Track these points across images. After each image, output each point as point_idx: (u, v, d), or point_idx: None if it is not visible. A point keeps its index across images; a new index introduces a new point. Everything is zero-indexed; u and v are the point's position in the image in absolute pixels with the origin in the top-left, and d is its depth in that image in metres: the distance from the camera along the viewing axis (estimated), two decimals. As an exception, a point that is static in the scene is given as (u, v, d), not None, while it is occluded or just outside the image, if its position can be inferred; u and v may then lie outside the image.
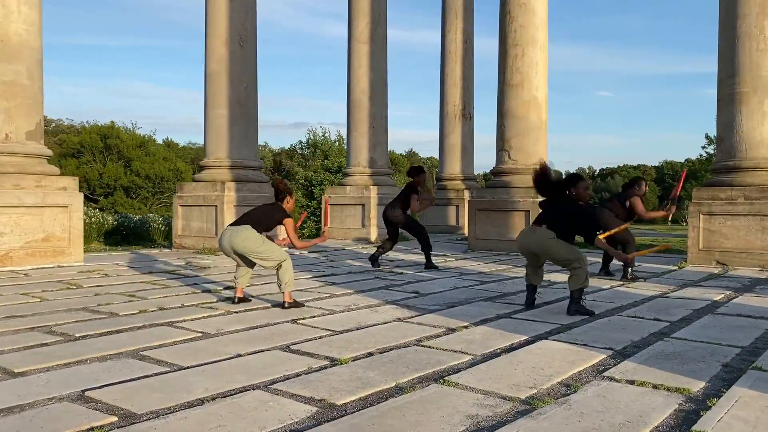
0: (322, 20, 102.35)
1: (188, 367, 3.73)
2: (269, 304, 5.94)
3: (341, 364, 3.81)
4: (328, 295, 6.55)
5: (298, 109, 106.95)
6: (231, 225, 6.10)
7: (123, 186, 43.54)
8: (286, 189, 6.13)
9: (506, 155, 11.82)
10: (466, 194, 16.52)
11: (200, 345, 4.32)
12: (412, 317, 5.40)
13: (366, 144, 14.02)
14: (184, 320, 5.18)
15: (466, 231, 16.36)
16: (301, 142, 54.47)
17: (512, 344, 4.40)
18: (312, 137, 52.73)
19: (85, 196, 43.07)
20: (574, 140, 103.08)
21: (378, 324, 5.07)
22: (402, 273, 8.49)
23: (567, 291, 6.69)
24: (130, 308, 5.65)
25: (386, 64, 14.33)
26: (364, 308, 5.80)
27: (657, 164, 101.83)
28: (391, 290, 6.91)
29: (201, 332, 4.72)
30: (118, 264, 9.06)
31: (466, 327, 4.97)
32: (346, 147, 14.54)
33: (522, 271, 8.69)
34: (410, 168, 9.89)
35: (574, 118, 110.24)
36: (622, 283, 7.67)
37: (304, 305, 5.86)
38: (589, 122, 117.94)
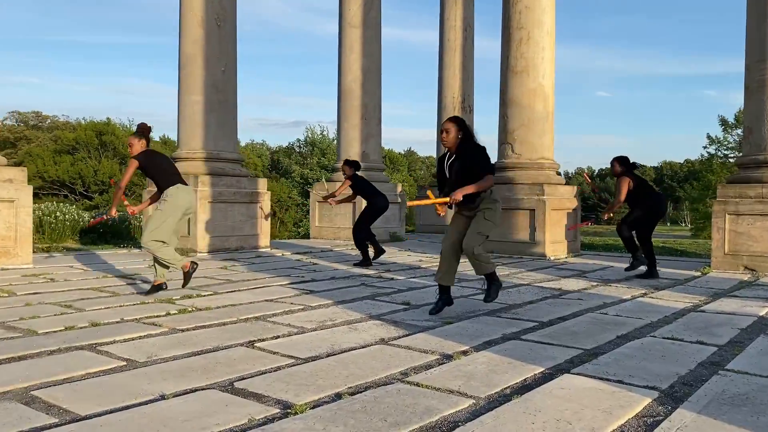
0: (322, 18, 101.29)
1: (84, 418, 2.72)
2: (233, 319, 4.92)
3: (295, 414, 2.80)
4: (301, 306, 5.53)
5: (297, 107, 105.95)
6: (181, 181, 6.24)
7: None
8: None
9: (509, 148, 10.81)
10: (465, 192, 15.48)
11: (117, 380, 3.30)
12: (398, 337, 4.38)
13: (357, 137, 13.00)
14: (114, 341, 4.16)
15: (464, 231, 15.34)
16: (299, 140, 53.58)
17: (525, 380, 3.38)
18: (310, 135, 51.84)
19: (80, 193, 41.97)
20: (572, 140, 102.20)
21: (356, 348, 4.06)
22: (392, 279, 7.47)
23: (583, 303, 5.68)
24: (55, 324, 4.63)
25: (380, 51, 13.31)
26: (341, 325, 4.78)
27: (656, 164, 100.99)
28: (377, 300, 5.89)
29: (126, 360, 3.69)
30: (72, 267, 8.03)
31: (465, 353, 3.96)
32: (336, 140, 13.52)
33: (528, 277, 7.69)
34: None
35: (572, 117, 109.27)
36: (644, 292, 6.66)
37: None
38: (587, 122, 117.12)
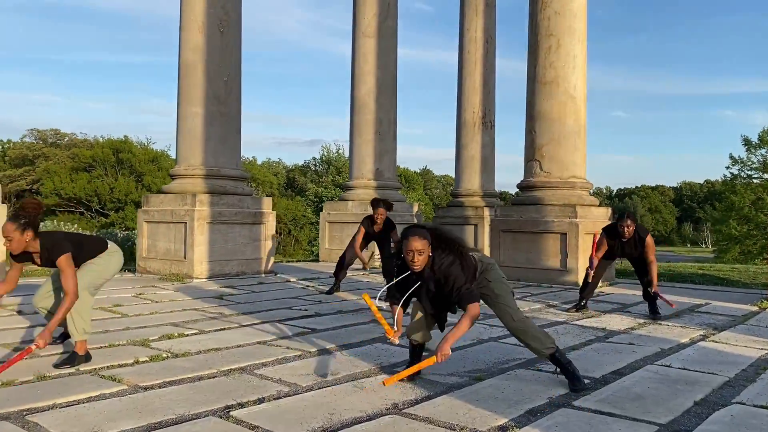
0: (338, 38, 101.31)
1: None
2: (212, 371, 4.01)
3: None
4: (297, 353, 4.60)
5: (313, 126, 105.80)
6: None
7: (134, 201, 42.44)
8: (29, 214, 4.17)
9: (537, 166, 9.86)
10: (487, 212, 14.56)
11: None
12: (416, 402, 3.45)
13: (371, 153, 12.13)
14: (53, 405, 3.26)
15: (485, 253, 14.37)
16: (314, 158, 53.15)
17: (594, 484, 2.43)
18: (326, 153, 51.32)
19: (96, 210, 41.50)
20: (589, 160, 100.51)
21: (361, 419, 3.13)
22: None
23: (636, 349, 4.65)
24: (-9, 377, 3.75)
25: (396, 63, 12.49)
26: (345, 381, 3.86)
27: (675, 185, 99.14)
28: (389, 344, 4.95)
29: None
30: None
31: (503, 429, 3.01)
32: (348, 155, 12.68)
33: (564, 313, 6.72)
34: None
35: (589, 137, 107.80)
36: (702, 334, 5.65)
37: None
38: (603, 142, 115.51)
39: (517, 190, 10.58)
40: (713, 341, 5.35)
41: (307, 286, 8.69)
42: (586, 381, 3.89)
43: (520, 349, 4.85)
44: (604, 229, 6.87)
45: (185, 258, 8.88)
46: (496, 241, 10.09)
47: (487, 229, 14.54)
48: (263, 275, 9.58)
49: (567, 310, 6.92)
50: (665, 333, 5.71)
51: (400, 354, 4.60)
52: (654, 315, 6.61)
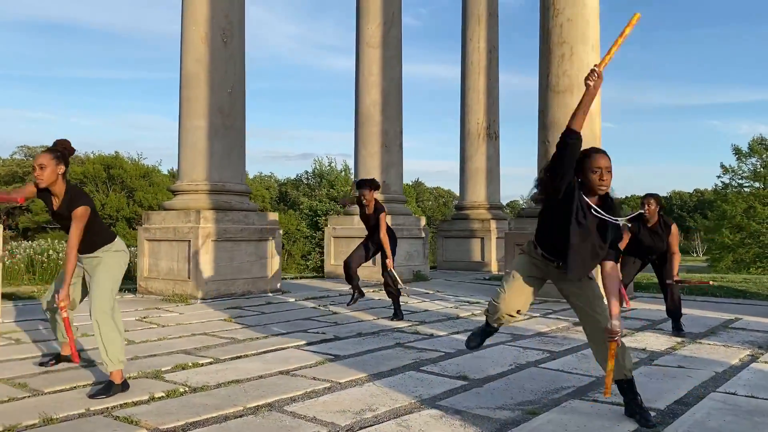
0: (326, 54, 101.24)
1: None
2: (237, 409, 3.62)
3: None
4: (326, 384, 4.21)
5: (304, 139, 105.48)
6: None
7: (125, 217, 41.94)
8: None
9: (552, 177, 9.52)
10: (494, 225, 14.23)
11: None
12: (472, 443, 3.07)
13: (377, 165, 11.78)
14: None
15: (493, 268, 14.07)
16: (307, 172, 52.82)
17: None
18: (318, 167, 50.92)
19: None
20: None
21: (417, 467, 2.75)
22: (432, 335, 6.15)
23: (690, 373, 4.25)
24: (-8, 420, 3.35)
25: (401, 73, 12.18)
26: (387, 419, 3.47)
27: (665, 194, 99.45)
28: (423, 372, 4.57)
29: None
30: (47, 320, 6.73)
31: (583, 478, 2.64)
32: (353, 169, 12.34)
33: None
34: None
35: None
36: (750, 354, 5.31)
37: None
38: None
39: (532, 202, 10.25)
40: (765, 362, 5.02)
41: (318, 305, 8.30)
42: (651, 413, 3.53)
43: (564, 375, 4.51)
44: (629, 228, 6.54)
45: (189, 278, 8.47)
46: (510, 255, 9.73)
47: (494, 242, 14.23)
48: (270, 294, 9.18)
49: None
50: (710, 353, 5.36)
51: (439, 383, 4.23)
52: (678, 332, 6.27)
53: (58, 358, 4.69)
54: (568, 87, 9.45)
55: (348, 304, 7.59)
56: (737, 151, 47.53)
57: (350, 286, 7.70)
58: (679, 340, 6.01)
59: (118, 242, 4.39)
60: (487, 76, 14.66)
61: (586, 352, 5.34)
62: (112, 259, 4.28)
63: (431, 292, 10.07)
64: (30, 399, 3.80)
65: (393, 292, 7.34)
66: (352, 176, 12.53)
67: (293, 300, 8.74)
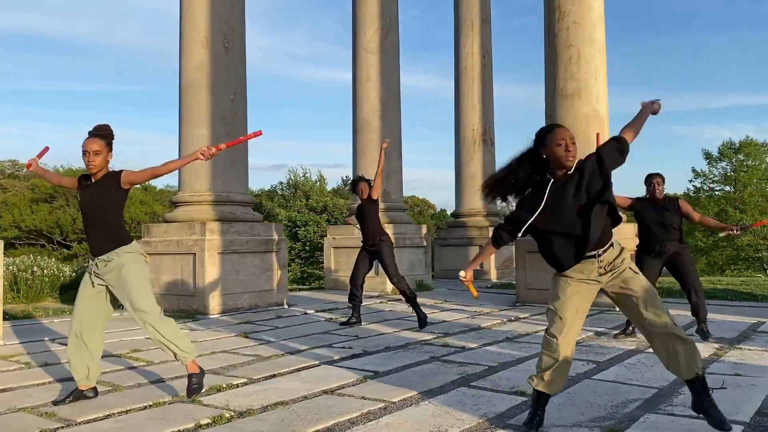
0: (297, 65, 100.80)
1: None
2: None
3: None
4: (380, 404, 3.93)
5: (277, 151, 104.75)
6: None
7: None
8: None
9: (562, 182, 9.38)
10: (491, 232, 14.03)
11: None
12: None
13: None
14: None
15: (492, 276, 13.89)
16: (281, 183, 52.36)
17: None
18: (293, 177, 50.53)
19: (58, 242, 40.07)
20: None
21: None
22: (464, 348, 5.91)
23: (756, 382, 4.06)
24: (31, 457, 3.01)
25: (399, 79, 11.99)
26: (462, 441, 3.22)
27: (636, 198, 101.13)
28: (476, 388, 4.32)
29: None
30: (54, 340, 6.34)
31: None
32: (352, 178, 12.06)
33: (629, 341, 6.14)
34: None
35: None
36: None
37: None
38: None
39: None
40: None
41: (330, 318, 8.01)
42: (736, 427, 3.32)
43: (623, 387, 4.30)
44: (632, 199, 6.49)
45: (195, 292, 8.12)
46: (522, 263, 9.56)
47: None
48: (277, 308, 8.86)
49: (615, 336, 6.39)
50: (757, 359, 5.21)
51: (499, 400, 3.98)
52: (705, 337, 6.12)
53: (76, 394, 4.05)
54: (576, 90, 9.33)
55: (342, 324, 7.29)
56: (708, 156, 48.43)
57: (350, 305, 7.47)
58: (716, 345, 5.86)
59: (136, 244, 4.14)
60: (482, 82, 14.55)
61: (631, 361, 5.15)
62: (135, 263, 4.00)
63: (439, 302, 9.84)
64: (62, 429, 3.47)
65: (409, 295, 7.15)
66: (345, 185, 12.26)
67: (302, 313, 8.43)
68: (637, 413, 3.69)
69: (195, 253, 8.13)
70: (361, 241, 7.68)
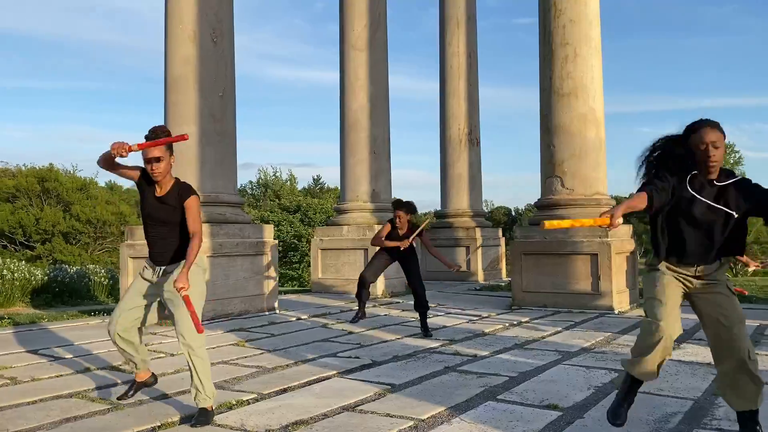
0: (266, 63, 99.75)
1: None
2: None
3: None
4: (408, 423, 3.66)
5: (245, 150, 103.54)
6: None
7: (62, 231, 39.83)
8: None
9: (558, 183, 9.24)
10: (479, 233, 13.90)
11: None
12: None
13: (366, 173, 11.27)
14: None
15: (479, 278, 13.73)
16: (251, 182, 51.61)
17: None
18: (263, 177, 49.87)
19: (20, 243, 38.96)
20: (526, 179, 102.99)
21: None
22: (476, 356, 5.67)
23: None
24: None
25: (387, 77, 11.73)
26: (511, 465, 2.97)
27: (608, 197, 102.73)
28: (503, 402, 4.09)
29: None
30: (36, 352, 5.92)
31: None
32: (339, 178, 11.77)
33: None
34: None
35: (519, 157, 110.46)
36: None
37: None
38: (530, 162, 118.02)
39: (536, 209, 9.94)
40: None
41: (325, 324, 7.71)
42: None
43: (657, 398, 4.11)
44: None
45: (183, 298, 7.73)
46: (518, 265, 9.37)
47: (480, 250, 13.89)
48: (268, 313, 8.52)
49: None
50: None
51: (534, 416, 3.75)
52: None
53: (137, 386, 4.14)
54: (572, 89, 9.19)
55: (352, 321, 7.51)
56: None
57: (358, 302, 7.69)
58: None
59: (200, 256, 3.90)
60: (468, 81, 14.35)
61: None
62: (196, 277, 3.77)
63: (433, 305, 9.56)
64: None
65: (425, 305, 6.99)
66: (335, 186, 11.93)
67: (296, 319, 8.12)
68: (682, 428, 3.49)
69: (183, 257, 7.73)
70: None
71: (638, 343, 3.08)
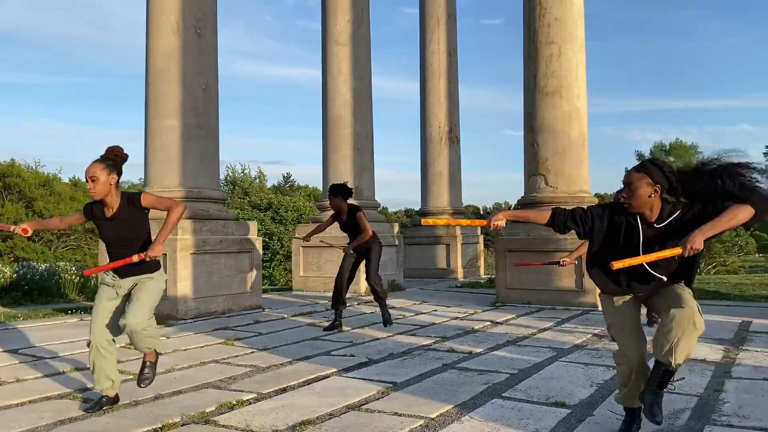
0: (231, 58, 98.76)
1: None
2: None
3: None
4: (418, 422, 3.59)
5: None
6: None
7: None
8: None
9: (542, 180, 9.27)
10: (458, 230, 13.90)
11: None
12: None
13: (349, 170, 11.16)
14: None
15: (459, 275, 13.74)
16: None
17: None
18: (230, 174, 49.23)
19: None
20: (487, 178, 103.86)
21: None
22: (471, 353, 5.63)
23: None
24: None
25: (370, 73, 11.63)
26: (531, 463, 2.92)
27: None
28: (510, 400, 4.04)
29: None
30: (12, 351, 5.70)
31: None
32: (322, 175, 11.63)
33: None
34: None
35: (484, 156, 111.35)
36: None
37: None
38: (498, 160, 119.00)
39: (519, 206, 9.96)
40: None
41: (312, 322, 7.59)
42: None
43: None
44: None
45: (166, 296, 7.54)
46: (502, 262, 9.38)
47: (460, 248, 13.91)
48: (252, 311, 8.37)
49: None
50: (771, 361, 5.14)
51: (544, 414, 3.71)
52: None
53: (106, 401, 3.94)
54: (557, 88, 9.23)
55: (325, 330, 6.92)
56: (640, 157, 50.40)
57: (334, 313, 7.12)
58: (721, 347, 5.79)
59: (161, 268, 4.02)
60: (448, 80, 14.34)
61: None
62: (157, 282, 3.91)
63: (417, 302, 9.56)
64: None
65: (380, 294, 7.02)
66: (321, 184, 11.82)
67: (282, 317, 7.99)
68: (694, 425, 3.49)
69: (166, 253, 7.55)
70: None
71: (618, 374, 3.35)
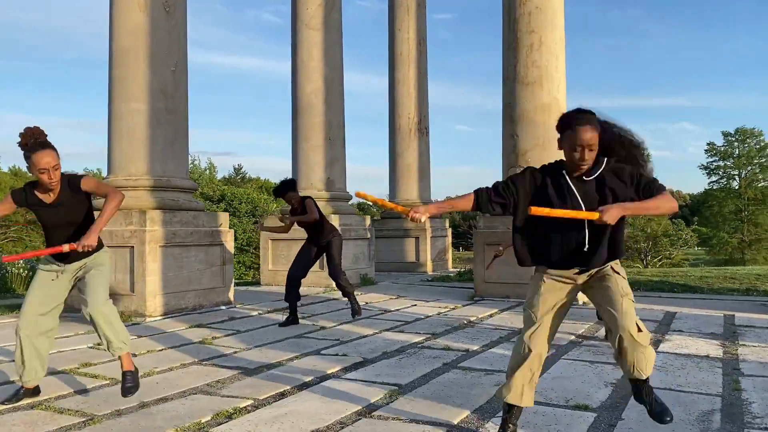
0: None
1: None
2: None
3: None
4: (440, 428, 3.30)
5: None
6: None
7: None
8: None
9: (522, 173, 9.08)
10: (428, 223, 13.67)
11: None
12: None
13: (321, 160, 10.77)
14: None
15: (428, 268, 13.53)
16: (166, 171, 49.63)
17: None
18: (181, 164, 47.75)
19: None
20: (438, 171, 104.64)
21: None
22: (468, 351, 5.38)
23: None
24: None
25: (342, 60, 11.25)
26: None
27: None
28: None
29: None
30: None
31: None
32: (291, 164, 11.19)
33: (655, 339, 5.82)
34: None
35: (435, 150, 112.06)
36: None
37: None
38: (450, 154, 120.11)
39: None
40: (835, 364, 4.76)
41: (291, 318, 7.21)
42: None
43: (683, 396, 3.94)
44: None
45: (133, 291, 7.05)
46: (479, 255, 9.18)
47: (429, 241, 13.69)
48: (224, 307, 7.93)
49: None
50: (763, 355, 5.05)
51: (569, 418, 3.48)
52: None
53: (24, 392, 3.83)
54: (537, 78, 9.05)
55: (281, 325, 6.65)
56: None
57: (289, 307, 6.89)
58: (717, 342, 5.70)
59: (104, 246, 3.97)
60: (418, 69, 14.07)
61: (658, 363, 4.82)
62: (106, 266, 3.85)
63: (393, 297, 9.28)
64: None
65: (348, 289, 6.98)
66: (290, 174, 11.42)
67: (257, 313, 7.58)
68: (729, 428, 3.31)
69: (133, 246, 7.05)
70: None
71: (511, 359, 3.14)
